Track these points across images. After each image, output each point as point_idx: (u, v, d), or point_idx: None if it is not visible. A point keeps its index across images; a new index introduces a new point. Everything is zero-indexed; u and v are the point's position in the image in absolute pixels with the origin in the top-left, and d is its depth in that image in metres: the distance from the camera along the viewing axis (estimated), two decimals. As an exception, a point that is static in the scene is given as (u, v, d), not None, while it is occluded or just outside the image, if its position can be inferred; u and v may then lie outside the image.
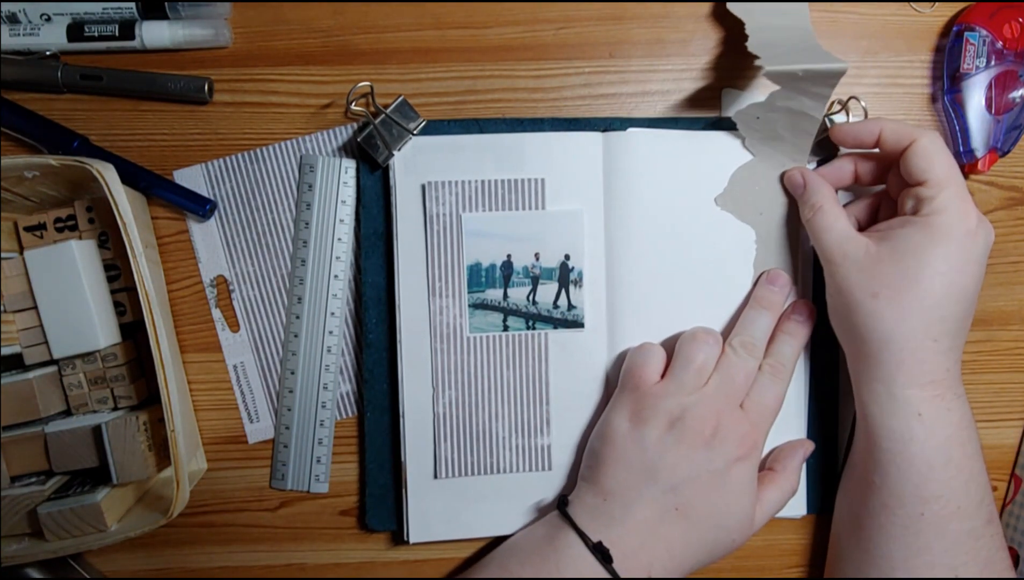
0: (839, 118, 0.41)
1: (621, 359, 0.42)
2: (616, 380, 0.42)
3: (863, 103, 0.41)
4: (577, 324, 0.42)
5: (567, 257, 0.42)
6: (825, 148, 0.41)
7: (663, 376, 0.40)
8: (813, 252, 0.42)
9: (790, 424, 0.44)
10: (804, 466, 0.44)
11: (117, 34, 0.41)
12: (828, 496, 0.45)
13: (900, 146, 0.37)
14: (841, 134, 0.39)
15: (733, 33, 0.43)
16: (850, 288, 0.37)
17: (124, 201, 0.36)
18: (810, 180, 0.40)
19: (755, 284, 0.42)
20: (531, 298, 0.42)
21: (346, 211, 0.43)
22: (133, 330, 0.41)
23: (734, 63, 0.44)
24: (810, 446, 0.43)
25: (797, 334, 0.41)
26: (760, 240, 0.42)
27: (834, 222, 0.38)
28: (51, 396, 0.40)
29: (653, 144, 0.42)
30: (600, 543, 0.37)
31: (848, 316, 0.38)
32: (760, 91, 0.44)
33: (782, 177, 0.41)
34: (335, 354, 0.43)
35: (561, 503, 0.40)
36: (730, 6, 0.41)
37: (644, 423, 0.38)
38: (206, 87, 0.41)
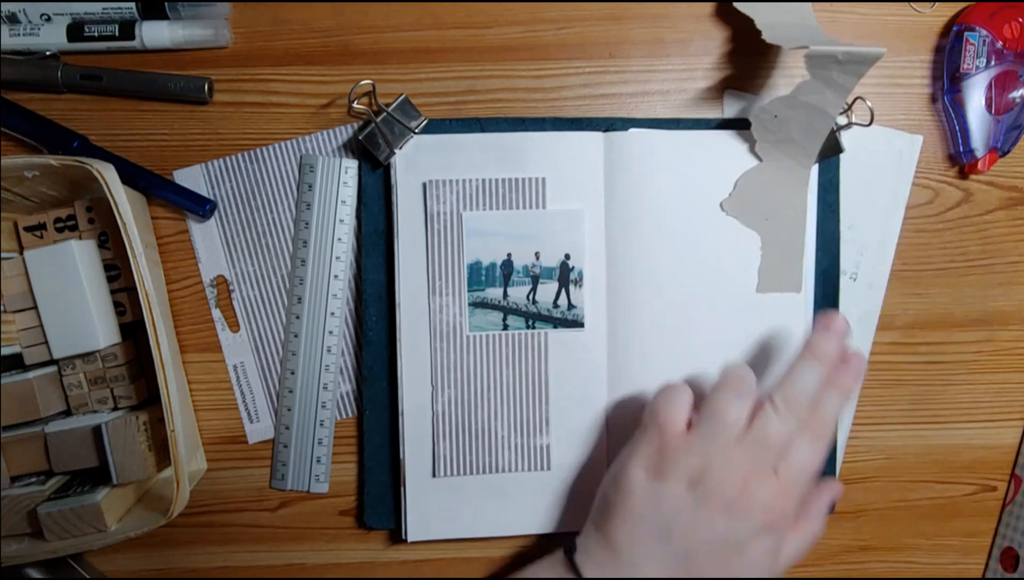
0: (841, 119, 0.41)
1: (621, 359, 0.42)
2: (616, 380, 0.42)
3: (868, 103, 0.40)
4: (577, 324, 0.42)
5: (567, 256, 0.42)
6: (825, 151, 0.41)
7: (690, 424, 0.37)
8: (816, 260, 0.43)
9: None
10: None
11: (117, 34, 0.41)
12: (828, 496, 0.45)
13: None
14: None
15: (734, 33, 0.43)
16: None
17: (124, 201, 0.36)
18: None
19: (812, 325, 0.38)
20: (531, 297, 0.42)
21: (346, 211, 0.43)
22: (133, 330, 0.41)
23: (735, 63, 0.44)
24: (838, 488, 0.40)
25: (846, 390, 0.36)
26: (765, 246, 0.42)
27: None
28: (51, 396, 0.40)
29: (655, 144, 0.42)
30: None
31: None
32: (764, 92, 0.44)
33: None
34: (335, 354, 0.43)
35: (568, 548, 0.38)
36: (737, 4, 0.41)
37: (663, 478, 0.35)
38: (206, 87, 0.41)
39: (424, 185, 0.41)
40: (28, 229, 0.40)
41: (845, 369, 0.37)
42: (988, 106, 0.42)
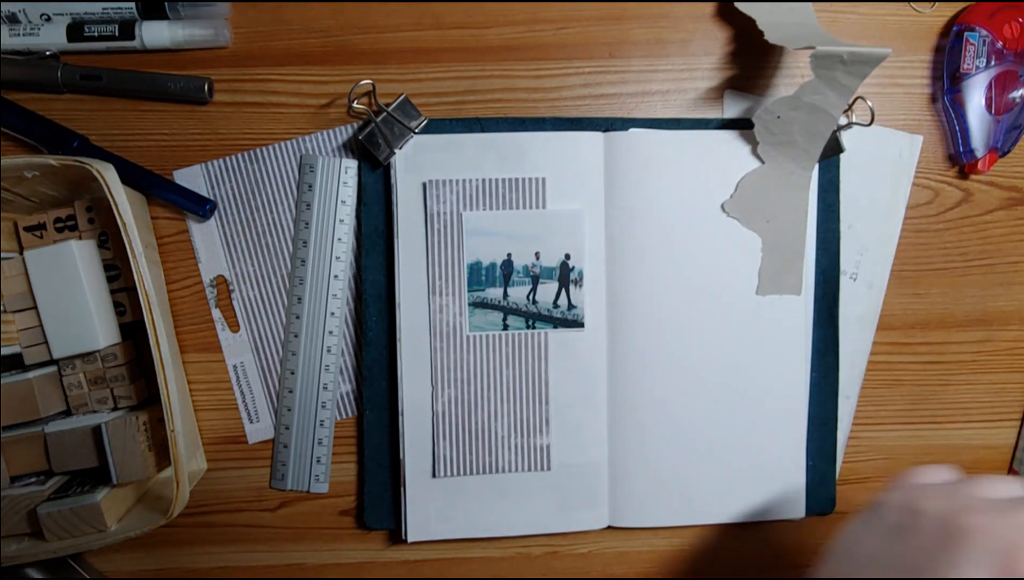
0: (842, 119, 0.41)
1: (621, 359, 0.42)
2: (616, 380, 0.42)
3: (869, 103, 0.40)
4: (577, 324, 0.42)
5: (567, 256, 0.42)
6: (825, 151, 0.41)
7: None
8: (816, 259, 0.43)
9: (790, 424, 0.44)
10: (804, 468, 0.44)
11: (117, 34, 0.41)
12: (827, 498, 0.45)
13: None
14: None
15: (735, 33, 0.43)
16: None
17: (124, 201, 0.36)
18: None
19: None
20: (531, 297, 0.42)
21: (346, 211, 0.43)
22: (133, 330, 0.41)
23: (735, 63, 0.44)
24: None
25: None
26: (766, 248, 0.42)
27: None
28: (51, 396, 0.40)
29: (655, 145, 0.42)
30: None
31: None
32: (764, 92, 0.44)
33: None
34: (335, 354, 0.43)
35: None
36: (738, 4, 0.41)
37: (894, 516, 0.30)
38: (206, 87, 0.41)
39: (424, 185, 0.41)
40: (28, 229, 0.40)
41: None
42: (988, 106, 0.42)
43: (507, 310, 0.42)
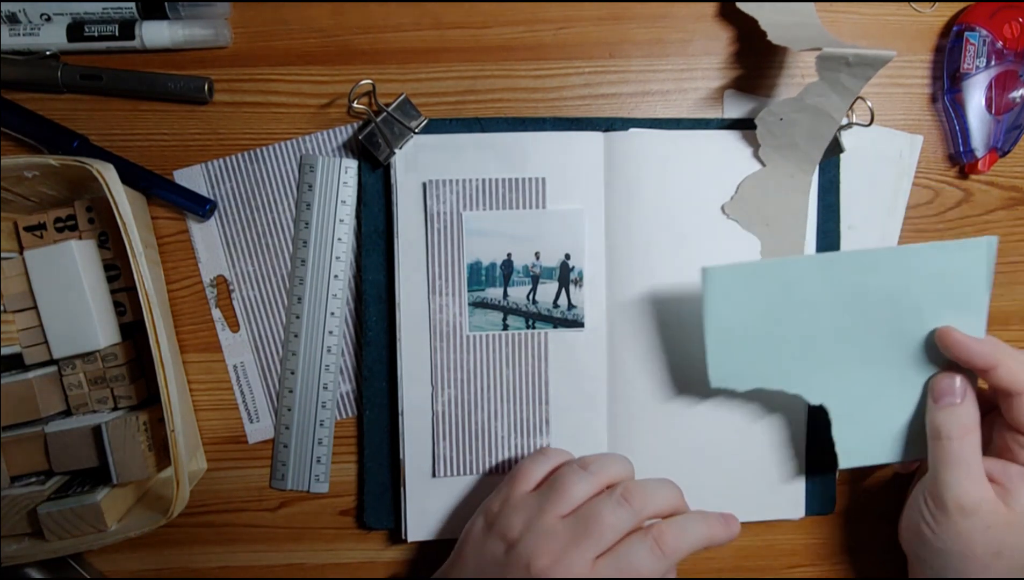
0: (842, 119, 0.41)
1: (621, 359, 0.42)
2: (616, 380, 0.42)
3: (869, 103, 0.40)
4: (577, 324, 0.42)
5: (567, 256, 0.42)
6: (826, 152, 0.41)
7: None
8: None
9: (790, 424, 0.43)
10: (804, 467, 0.44)
11: (117, 34, 0.41)
12: (827, 498, 0.45)
13: (1012, 390, 0.35)
14: (950, 343, 0.35)
15: (735, 33, 0.43)
16: (972, 544, 0.35)
17: (124, 201, 0.36)
18: (969, 406, 0.36)
19: None
20: (531, 297, 0.42)
21: (346, 211, 0.43)
22: (133, 330, 0.41)
23: (735, 63, 0.44)
24: None
25: (713, 523, 0.37)
26: (766, 252, 0.42)
27: (974, 462, 0.35)
28: (51, 396, 0.40)
29: (655, 144, 0.42)
30: None
31: (958, 564, 0.36)
32: (764, 92, 0.44)
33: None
34: (335, 354, 0.43)
35: None
36: (740, 5, 0.41)
37: (490, 531, 0.36)
38: (206, 87, 0.41)
39: (424, 185, 0.41)
40: (28, 229, 0.40)
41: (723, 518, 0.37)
42: (988, 106, 0.42)
43: (507, 310, 0.42)
